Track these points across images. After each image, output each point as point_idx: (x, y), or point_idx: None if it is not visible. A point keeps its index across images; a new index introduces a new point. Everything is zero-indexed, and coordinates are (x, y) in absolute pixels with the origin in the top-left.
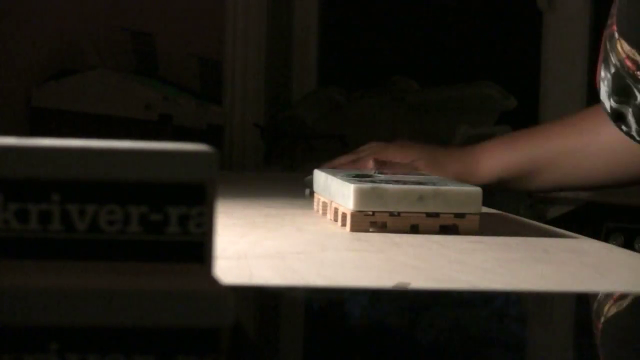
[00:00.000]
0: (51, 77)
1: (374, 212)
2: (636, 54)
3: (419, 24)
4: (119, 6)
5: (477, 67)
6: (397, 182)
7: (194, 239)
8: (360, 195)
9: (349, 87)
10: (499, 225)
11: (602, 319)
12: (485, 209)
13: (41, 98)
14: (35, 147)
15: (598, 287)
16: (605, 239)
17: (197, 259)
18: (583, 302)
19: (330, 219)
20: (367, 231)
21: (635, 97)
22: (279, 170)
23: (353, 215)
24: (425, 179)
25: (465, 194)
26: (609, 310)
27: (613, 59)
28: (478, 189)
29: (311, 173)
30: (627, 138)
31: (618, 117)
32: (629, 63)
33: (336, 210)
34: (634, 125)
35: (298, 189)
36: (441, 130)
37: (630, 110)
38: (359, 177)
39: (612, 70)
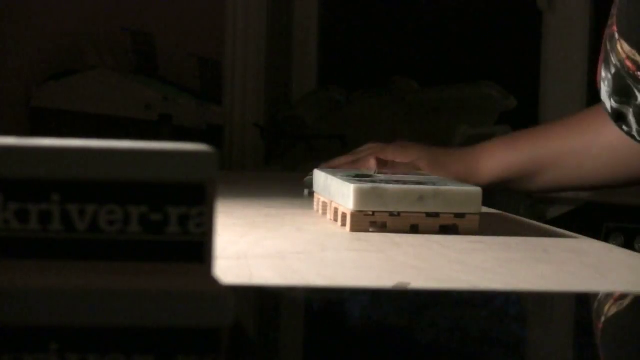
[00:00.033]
0: (51, 77)
1: (374, 212)
2: (636, 55)
3: (419, 24)
4: (119, 6)
5: (477, 67)
6: (397, 182)
7: (194, 239)
8: (360, 195)
9: (349, 87)
10: (499, 225)
11: (602, 319)
12: (485, 209)
13: (41, 98)
14: (35, 147)
15: (598, 287)
16: (605, 239)
17: (197, 259)
18: (583, 302)
19: (330, 219)
20: (367, 231)
21: (636, 98)
22: (279, 170)
23: (353, 215)
24: (425, 179)
25: (465, 194)
26: (609, 310)
27: (613, 59)
28: (478, 189)
29: (310, 173)
30: (628, 138)
31: (619, 117)
32: (629, 63)
33: (336, 210)
34: (634, 126)
35: (298, 189)
36: (441, 130)
37: (630, 110)
38: (359, 177)
39: (613, 70)
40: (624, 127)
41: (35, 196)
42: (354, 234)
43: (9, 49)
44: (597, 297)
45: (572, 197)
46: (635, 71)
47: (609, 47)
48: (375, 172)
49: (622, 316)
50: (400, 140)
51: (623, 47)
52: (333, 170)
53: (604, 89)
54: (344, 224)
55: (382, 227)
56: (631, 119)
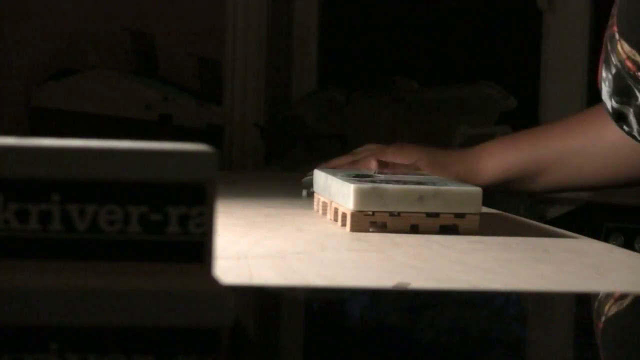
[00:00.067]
0: (51, 77)
1: (374, 212)
2: (636, 55)
3: (419, 24)
4: (119, 6)
5: (477, 67)
6: (397, 182)
7: (194, 239)
8: (360, 195)
9: (349, 87)
10: (499, 225)
11: (602, 319)
12: (485, 209)
13: (41, 98)
14: (35, 147)
15: (598, 287)
16: (605, 239)
17: (197, 259)
18: (583, 302)
19: (330, 219)
20: (367, 231)
21: (636, 98)
22: (279, 170)
23: (353, 215)
24: (425, 179)
25: (465, 194)
26: (609, 310)
27: (614, 60)
28: (478, 189)
29: (308, 174)
30: (629, 138)
31: (619, 118)
32: (629, 64)
33: (336, 210)
34: (635, 126)
35: (298, 189)
36: (441, 130)
37: (631, 110)
38: (359, 177)
39: (613, 70)
40: (625, 127)
41: (35, 196)
42: (354, 234)
43: (9, 49)
44: (597, 297)
45: (572, 197)
46: (636, 71)
47: (609, 47)
48: (375, 172)
49: (622, 316)
50: (400, 141)
51: (623, 48)
52: (333, 170)
53: (605, 89)
54: (344, 224)
55: (382, 227)
56: (632, 119)
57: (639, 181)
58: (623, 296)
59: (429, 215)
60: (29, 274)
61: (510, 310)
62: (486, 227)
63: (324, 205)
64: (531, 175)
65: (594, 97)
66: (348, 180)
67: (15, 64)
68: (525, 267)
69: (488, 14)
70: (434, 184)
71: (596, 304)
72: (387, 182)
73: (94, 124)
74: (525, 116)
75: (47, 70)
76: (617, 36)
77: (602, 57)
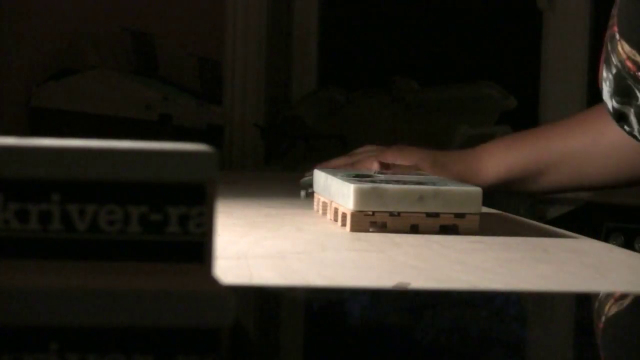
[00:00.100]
0: (51, 77)
1: (374, 212)
2: (637, 55)
3: (419, 24)
4: (119, 6)
5: (477, 67)
6: (397, 182)
7: (194, 239)
8: (360, 195)
9: (349, 87)
10: (499, 225)
11: (602, 319)
12: (485, 209)
13: (41, 98)
14: (35, 147)
15: (598, 287)
16: (605, 239)
17: (197, 259)
18: (583, 302)
19: (330, 219)
20: (367, 231)
21: (637, 98)
22: (279, 170)
23: (353, 215)
24: (425, 179)
25: (465, 194)
26: (609, 310)
27: (614, 60)
28: (478, 189)
29: (306, 175)
30: (630, 138)
31: (620, 118)
32: (629, 64)
33: (336, 210)
34: (636, 126)
35: (298, 189)
36: (441, 130)
37: (632, 110)
38: (359, 177)
39: (614, 70)
40: (626, 127)
41: (35, 196)
42: (354, 234)
43: (9, 49)
44: (597, 297)
45: (572, 197)
46: (636, 72)
47: (609, 47)
48: (375, 172)
49: (622, 316)
50: (399, 142)
51: (624, 48)
52: (333, 170)
53: (606, 89)
54: (344, 224)
55: (382, 227)
56: (632, 118)
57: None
58: (623, 296)
59: (429, 215)
60: (29, 274)
61: (510, 310)
62: (486, 227)
63: (324, 205)
64: (532, 175)
65: (594, 97)
66: (348, 180)
67: (15, 64)
68: (525, 267)
69: (488, 14)
70: (434, 184)
71: (596, 304)
72: (387, 182)
73: (94, 124)
74: (525, 116)
75: (47, 70)
76: (617, 36)
77: (602, 57)
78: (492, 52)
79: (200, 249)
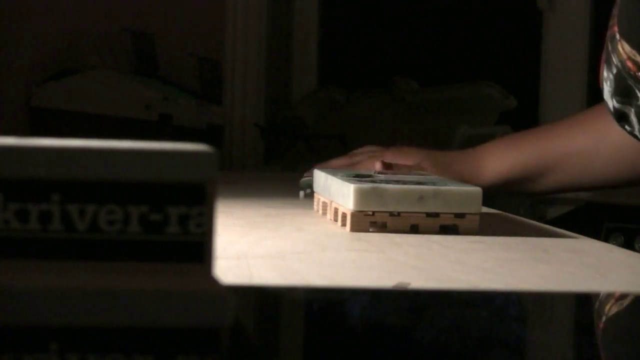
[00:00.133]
0: (51, 77)
1: (374, 212)
2: (637, 55)
3: (419, 24)
4: (119, 6)
5: (477, 67)
6: (397, 182)
7: (194, 239)
8: (360, 195)
9: (349, 87)
10: (499, 225)
11: (602, 319)
12: (485, 209)
13: (41, 98)
14: (35, 147)
15: (598, 287)
16: (605, 239)
17: (197, 259)
18: (583, 302)
19: (330, 219)
20: (367, 231)
21: (637, 98)
22: (279, 170)
23: (353, 215)
24: (425, 179)
25: (465, 194)
26: (609, 310)
27: (615, 60)
28: (478, 189)
29: (305, 175)
30: (631, 137)
31: (621, 117)
32: (630, 64)
33: (336, 210)
34: (636, 126)
35: (297, 189)
36: (441, 130)
37: (632, 110)
38: (359, 177)
39: (614, 70)
40: (627, 127)
41: (35, 196)
42: (354, 234)
43: (9, 49)
44: (597, 297)
45: (572, 197)
46: (636, 72)
47: (610, 47)
48: (375, 172)
49: (623, 316)
50: (399, 143)
51: (624, 48)
52: (333, 170)
53: (606, 89)
54: (344, 224)
55: (382, 227)
56: (633, 118)
57: None
58: (623, 296)
59: (429, 215)
60: (29, 274)
61: (510, 310)
62: (486, 227)
63: (324, 205)
64: (533, 175)
65: (594, 97)
66: (348, 180)
67: (15, 64)
68: (525, 267)
69: (488, 14)
70: (434, 184)
71: (596, 304)
72: (387, 182)
73: (94, 124)
74: (525, 116)
75: (47, 70)
76: (617, 36)
77: (603, 57)
78: (492, 52)
79: (200, 249)
